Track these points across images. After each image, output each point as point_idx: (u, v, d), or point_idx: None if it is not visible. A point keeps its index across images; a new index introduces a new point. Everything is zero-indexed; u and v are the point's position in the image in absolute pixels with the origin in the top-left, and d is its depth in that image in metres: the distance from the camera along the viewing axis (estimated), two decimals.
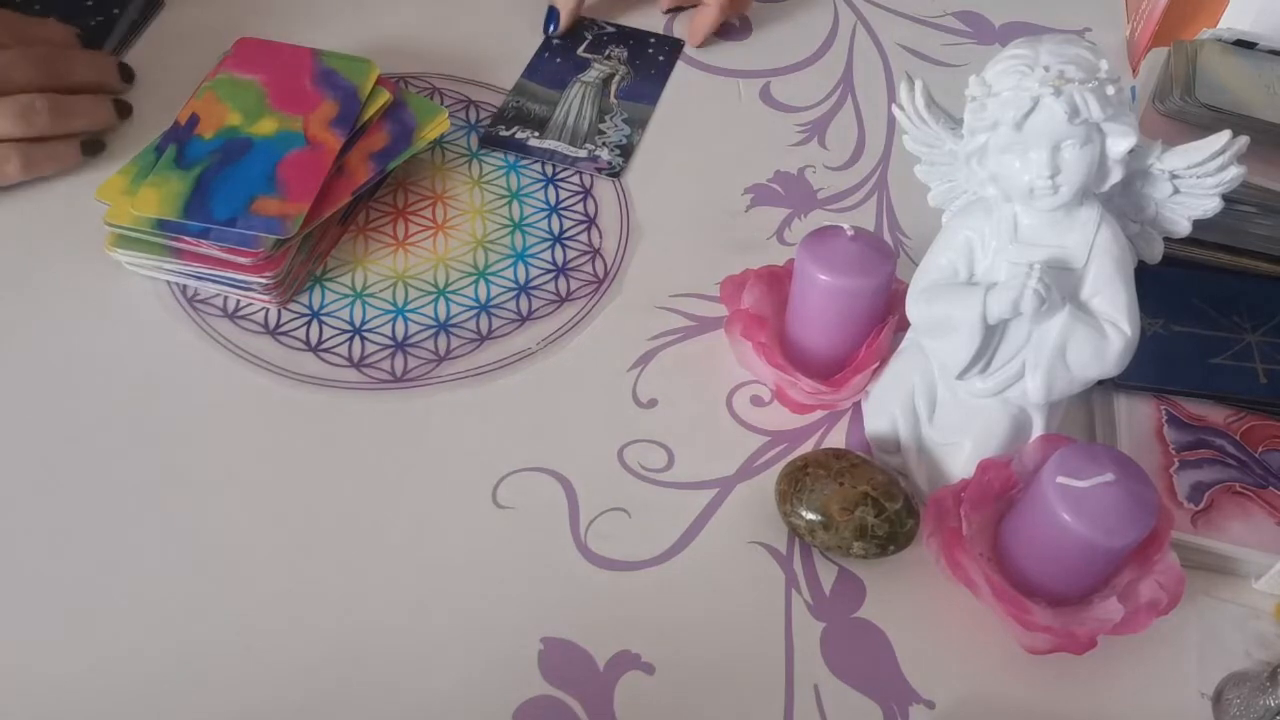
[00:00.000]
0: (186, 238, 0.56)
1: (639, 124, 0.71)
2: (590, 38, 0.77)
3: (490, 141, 0.68)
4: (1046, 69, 0.44)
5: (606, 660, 0.47)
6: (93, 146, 0.63)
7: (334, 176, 0.59)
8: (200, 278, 0.58)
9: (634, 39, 0.77)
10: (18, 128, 0.60)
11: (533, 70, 0.74)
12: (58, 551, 0.49)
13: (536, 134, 0.69)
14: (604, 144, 0.69)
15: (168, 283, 0.59)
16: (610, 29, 0.78)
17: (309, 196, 0.57)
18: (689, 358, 0.59)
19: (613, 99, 0.73)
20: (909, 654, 0.49)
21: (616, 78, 0.74)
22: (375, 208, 0.63)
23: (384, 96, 0.63)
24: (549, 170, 0.68)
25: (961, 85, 0.47)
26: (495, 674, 0.47)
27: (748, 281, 0.58)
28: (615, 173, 0.68)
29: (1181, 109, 0.62)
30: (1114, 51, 0.80)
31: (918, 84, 0.50)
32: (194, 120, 0.61)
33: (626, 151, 0.69)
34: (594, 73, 0.74)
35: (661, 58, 0.76)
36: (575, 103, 0.72)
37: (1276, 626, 0.50)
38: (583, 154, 0.68)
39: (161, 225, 0.56)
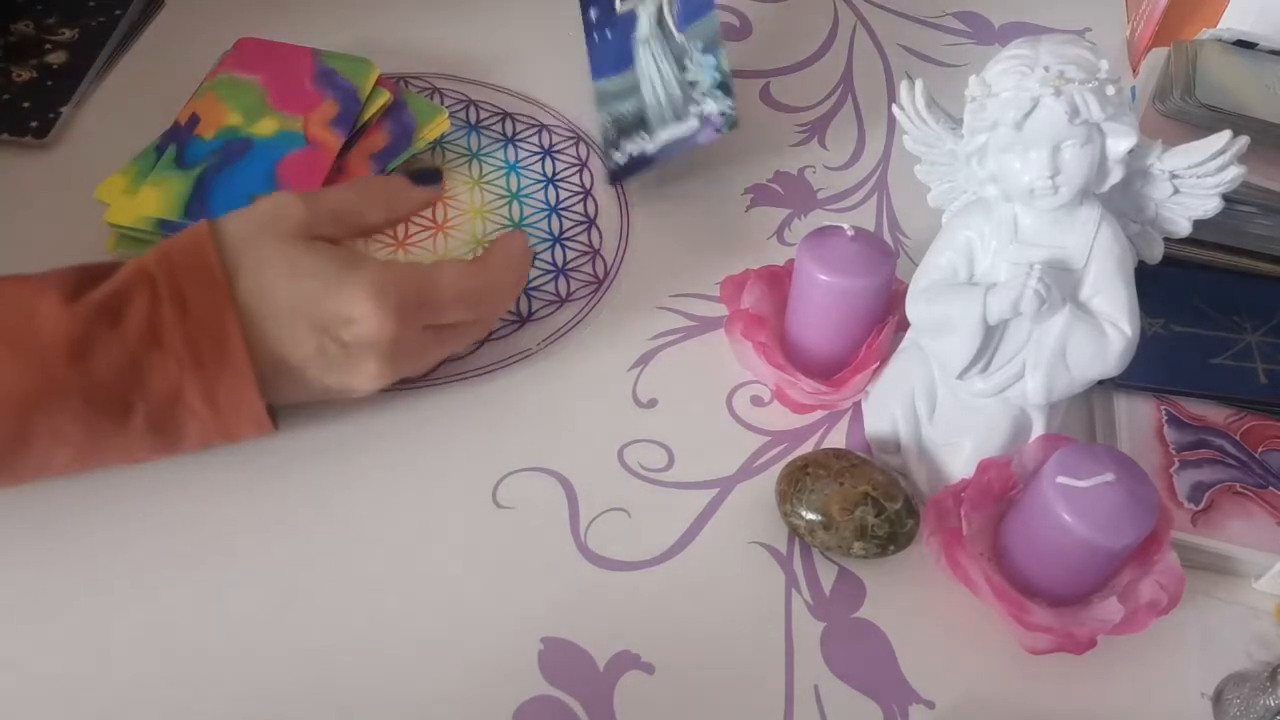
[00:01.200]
0: None
1: (714, 43, 0.62)
2: None
3: (622, 176, 0.64)
4: (1046, 69, 0.44)
5: (606, 660, 0.47)
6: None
7: (334, 176, 0.59)
8: None
9: None
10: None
11: (596, 67, 0.68)
12: (56, 551, 0.49)
13: (645, 134, 0.63)
14: (705, 95, 0.61)
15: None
16: None
17: None
18: (689, 358, 0.59)
19: (677, 36, 0.63)
20: (909, 654, 0.49)
21: (664, 6, 0.64)
22: None
23: (384, 96, 0.63)
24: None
25: (961, 85, 0.47)
26: (495, 674, 0.47)
27: (748, 281, 0.58)
28: (734, 122, 0.61)
29: (1181, 109, 0.62)
30: (1114, 51, 0.80)
31: (918, 84, 0.50)
32: (194, 120, 0.61)
33: (726, 86, 0.61)
34: (644, 22, 0.64)
35: None
36: (652, 71, 0.64)
37: (1276, 626, 0.50)
38: (695, 123, 0.61)
39: (162, 225, 0.56)
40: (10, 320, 0.43)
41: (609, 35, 0.66)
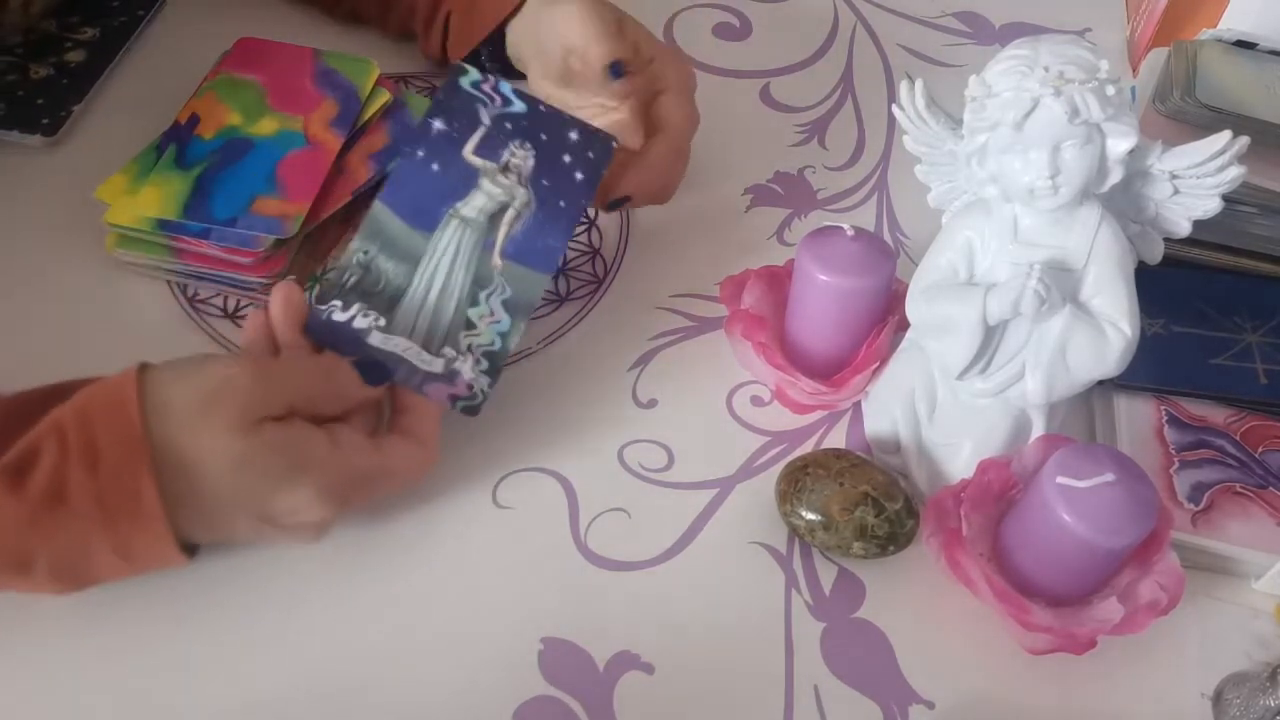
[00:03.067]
0: (187, 238, 0.56)
1: (521, 311, 0.51)
2: (487, 123, 0.53)
3: (317, 332, 0.49)
4: (1046, 69, 0.44)
5: (606, 660, 0.47)
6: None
7: (334, 176, 0.59)
8: (200, 277, 0.58)
9: (547, 127, 0.53)
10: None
11: (401, 185, 0.52)
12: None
13: (381, 322, 0.50)
14: (470, 347, 0.51)
15: (168, 282, 0.59)
16: (516, 104, 0.53)
17: (309, 196, 0.58)
18: (689, 358, 0.59)
19: (496, 259, 0.52)
20: (909, 654, 0.49)
21: (511, 213, 0.52)
22: None
23: (384, 96, 0.63)
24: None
25: (961, 85, 0.47)
26: (495, 674, 0.47)
27: (748, 281, 0.58)
28: (474, 410, 0.51)
29: (1181, 109, 0.62)
30: (1114, 52, 0.80)
31: (918, 84, 0.50)
32: (194, 120, 0.61)
33: (494, 365, 0.51)
34: (480, 200, 0.52)
35: (580, 173, 0.53)
36: (443, 264, 0.51)
37: (1276, 626, 0.50)
38: (437, 366, 0.50)
39: (162, 225, 0.56)
40: None
41: (434, 167, 0.52)
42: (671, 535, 0.52)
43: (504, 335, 0.51)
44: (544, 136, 0.53)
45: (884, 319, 0.56)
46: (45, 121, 0.65)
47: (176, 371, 0.44)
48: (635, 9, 0.79)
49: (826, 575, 0.51)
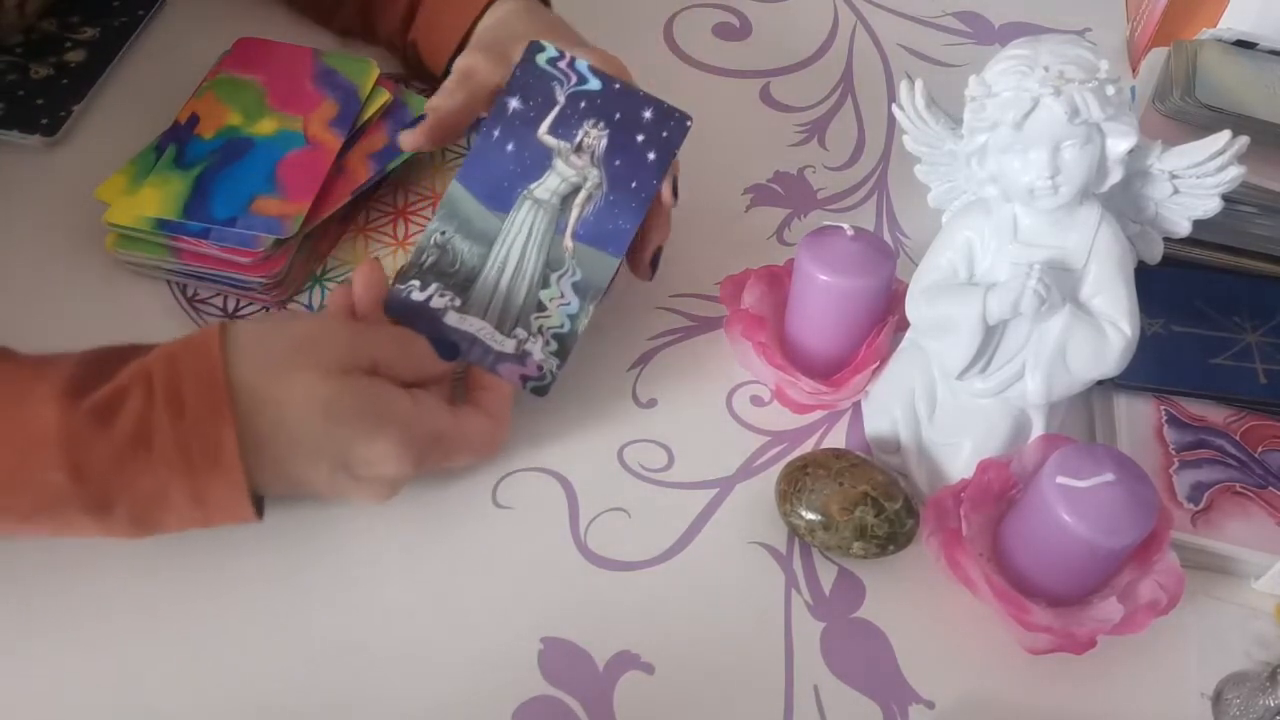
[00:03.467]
0: (186, 237, 0.56)
1: (590, 294, 0.52)
2: (562, 102, 0.52)
3: (396, 310, 0.51)
4: (1046, 69, 0.44)
5: (606, 660, 0.47)
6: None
7: (334, 176, 0.59)
8: (200, 277, 0.58)
9: (623, 106, 0.52)
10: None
11: (473, 167, 0.53)
12: (55, 546, 0.49)
13: (456, 302, 0.51)
14: (540, 329, 0.52)
15: (168, 282, 0.59)
16: (592, 81, 0.53)
17: (309, 196, 0.57)
18: (689, 358, 0.59)
19: (568, 241, 0.52)
20: (909, 654, 0.49)
21: (583, 194, 0.52)
22: (375, 207, 0.63)
23: (384, 96, 0.63)
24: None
25: (961, 85, 0.47)
26: (495, 674, 0.47)
27: (748, 281, 0.58)
28: (544, 391, 0.52)
29: (1181, 109, 0.62)
30: (1114, 51, 0.80)
31: (918, 84, 0.50)
32: (194, 120, 0.61)
33: (563, 347, 0.52)
34: (553, 182, 0.52)
35: (653, 153, 0.52)
36: (516, 246, 0.52)
37: (1276, 626, 0.50)
38: (509, 347, 0.51)
39: (162, 225, 0.56)
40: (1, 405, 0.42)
41: (509, 147, 0.52)
42: (671, 535, 0.52)
43: (573, 318, 0.52)
44: (618, 116, 0.52)
45: (884, 319, 0.56)
46: (45, 121, 0.65)
47: (264, 324, 0.47)
48: (636, 9, 0.80)
49: (826, 575, 0.51)
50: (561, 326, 0.52)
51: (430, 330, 0.50)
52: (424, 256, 0.52)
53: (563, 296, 0.52)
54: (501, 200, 0.52)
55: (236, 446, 0.43)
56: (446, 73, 0.59)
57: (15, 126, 0.64)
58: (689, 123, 0.53)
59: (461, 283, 0.52)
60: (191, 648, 0.47)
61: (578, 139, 0.52)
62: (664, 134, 0.53)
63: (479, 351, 0.51)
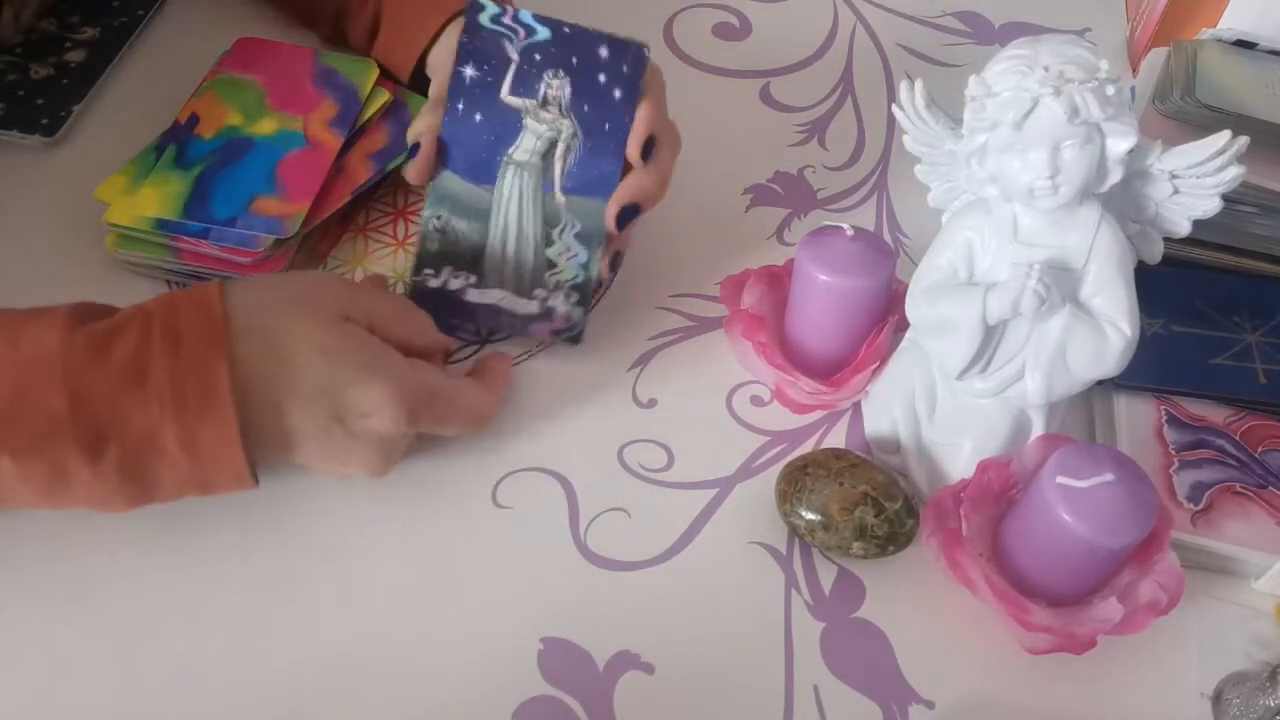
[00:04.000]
0: (186, 237, 0.56)
1: (594, 240, 0.53)
2: (516, 58, 0.52)
3: (423, 297, 0.53)
4: (1046, 69, 0.44)
5: (606, 660, 0.47)
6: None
7: (334, 176, 0.59)
8: (200, 277, 0.58)
9: (577, 49, 0.52)
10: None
11: (449, 146, 0.53)
12: (55, 547, 0.49)
13: (472, 279, 0.53)
14: (557, 284, 0.53)
15: (168, 282, 0.59)
16: (540, 31, 0.52)
17: (309, 196, 0.57)
18: (689, 358, 0.59)
19: (558, 194, 0.52)
20: (909, 654, 0.49)
21: (561, 146, 0.52)
22: (375, 208, 0.63)
23: (384, 96, 0.63)
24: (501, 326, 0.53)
25: (961, 85, 0.47)
26: (495, 674, 0.47)
27: (748, 281, 0.58)
28: (578, 339, 0.54)
29: (1181, 109, 0.62)
30: (1114, 51, 0.80)
31: (918, 84, 0.50)
32: (194, 120, 0.61)
33: (584, 295, 0.53)
34: (529, 141, 0.52)
35: (618, 89, 0.52)
36: (512, 213, 0.52)
37: (1276, 626, 0.50)
38: (534, 307, 0.53)
39: (161, 225, 0.56)
40: None
41: (477, 118, 0.52)
42: (671, 535, 0.52)
43: (584, 266, 0.53)
44: (575, 60, 0.52)
45: (884, 319, 0.56)
46: (45, 121, 0.65)
47: (263, 279, 0.49)
48: (636, 9, 0.80)
49: (826, 575, 0.51)
50: (576, 278, 0.53)
51: (457, 312, 0.53)
52: (428, 244, 0.54)
53: (569, 250, 0.53)
54: (484, 172, 0.53)
55: (229, 384, 0.43)
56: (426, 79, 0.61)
57: (15, 126, 0.64)
58: (646, 50, 0.52)
59: (471, 260, 0.53)
60: (191, 648, 0.47)
61: (541, 93, 0.52)
62: (624, 68, 0.52)
63: (506, 320, 0.53)
